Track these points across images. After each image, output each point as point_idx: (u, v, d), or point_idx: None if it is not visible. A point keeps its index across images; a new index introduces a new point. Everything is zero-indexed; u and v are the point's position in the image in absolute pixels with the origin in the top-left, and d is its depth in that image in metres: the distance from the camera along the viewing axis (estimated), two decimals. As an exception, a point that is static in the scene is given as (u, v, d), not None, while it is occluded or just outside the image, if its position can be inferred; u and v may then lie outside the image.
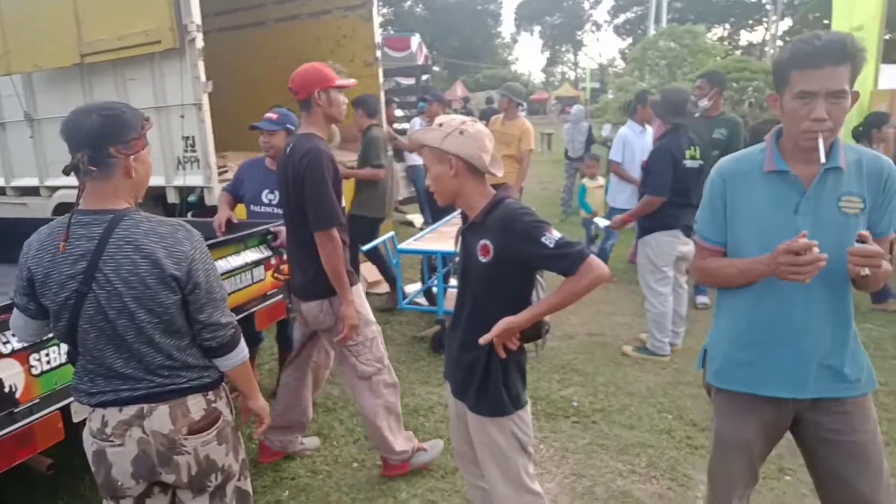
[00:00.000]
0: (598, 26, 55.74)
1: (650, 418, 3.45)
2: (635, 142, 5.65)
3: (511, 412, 1.94)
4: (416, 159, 8.34)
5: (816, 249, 1.47)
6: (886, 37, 10.41)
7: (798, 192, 1.62)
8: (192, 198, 4.80)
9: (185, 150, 4.62)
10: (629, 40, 48.21)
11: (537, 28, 60.74)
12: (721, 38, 42.26)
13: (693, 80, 6.33)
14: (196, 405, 1.72)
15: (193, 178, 4.71)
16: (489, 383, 1.92)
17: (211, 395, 1.76)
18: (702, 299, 5.33)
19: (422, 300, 5.15)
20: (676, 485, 2.85)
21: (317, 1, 6.86)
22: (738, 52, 33.71)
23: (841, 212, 1.61)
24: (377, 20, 6.73)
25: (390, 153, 5.52)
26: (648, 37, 12.09)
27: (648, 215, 4.15)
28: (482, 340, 1.86)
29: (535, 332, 1.94)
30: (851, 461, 1.72)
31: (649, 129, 5.78)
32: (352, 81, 2.75)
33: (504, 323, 1.84)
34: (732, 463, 1.85)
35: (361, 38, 6.67)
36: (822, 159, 1.52)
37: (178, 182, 4.82)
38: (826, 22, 7.12)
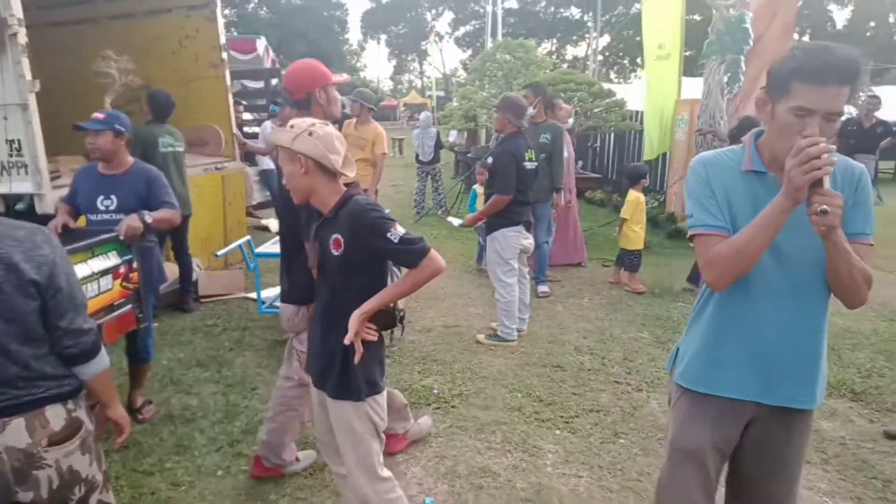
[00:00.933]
0: (441, 37, 57.55)
1: (503, 398, 3.75)
2: None
3: (368, 396, 2.07)
4: (268, 163, 8.19)
5: (822, 142, 1.39)
6: (687, 53, 11.96)
7: (775, 193, 1.51)
8: (20, 206, 4.37)
9: (10, 155, 4.21)
10: (469, 51, 50.34)
11: (384, 37, 61.31)
12: (550, 52, 45.56)
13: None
14: (56, 415, 1.65)
15: (21, 185, 4.29)
16: (348, 369, 2.02)
17: (71, 405, 1.71)
18: (542, 288, 5.82)
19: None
20: (528, 455, 3.14)
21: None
22: (565, 66, 36.58)
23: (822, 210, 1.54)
24: (222, 21, 6.54)
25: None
26: (487, 49, 12.81)
27: (495, 214, 4.49)
28: (346, 341, 1.96)
29: (389, 320, 2.09)
30: (775, 471, 1.73)
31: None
32: (345, 77, 2.72)
33: (356, 315, 1.95)
34: (686, 476, 1.77)
35: (206, 39, 6.45)
36: (827, 184, 1.40)
37: (3, 189, 4.37)
38: (638, 39, 8.06)
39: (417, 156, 10.35)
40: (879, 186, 10.07)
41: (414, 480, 2.94)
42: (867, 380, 3.95)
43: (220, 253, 4.33)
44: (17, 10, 4.04)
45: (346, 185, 2.12)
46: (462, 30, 56.23)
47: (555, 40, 52.89)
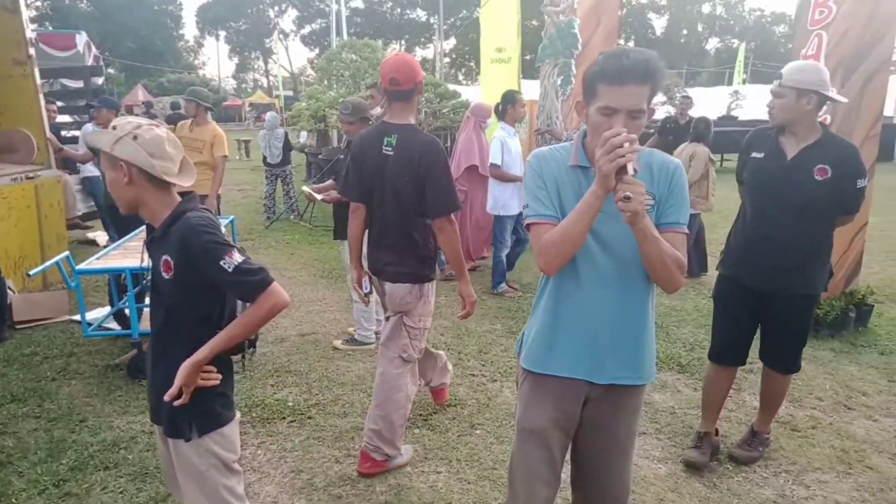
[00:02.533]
0: (286, 35, 55.91)
1: (361, 403, 3.69)
2: (510, 142, 5.72)
3: (208, 432, 1.86)
4: (92, 170, 7.43)
5: (624, 132, 1.49)
6: (527, 57, 12.57)
7: None
8: None
9: None
10: (317, 50, 49.38)
11: (223, 33, 58.29)
12: (398, 53, 46.02)
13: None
14: None
15: None
16: (182, 407, 1.79)
17: None
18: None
19: (112, 324, 4.66)
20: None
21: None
22: (415, 66, 37.07)
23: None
24: (26, 13, 5.81)
25: None
26: (332, 49, 12.61)
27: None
28: (167, 397, 1.75)
29: (234, 349, 1.89)
30: (609, 447, 1.85)
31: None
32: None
33: (184, 369, 1.75)
34: (531, 454, 1.86)
35: (6, 33, 5.70)
36: (630, 171, 1.49)
37: None
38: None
39: (265, 158, 9.92)
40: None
41: (269, 500, 2.80)
42: (691, 353, 4.40)
43: (32, 272, 3.82)
44: None
45: (181, 194, 1.88)
46: (308, 28, 55.14)
47: (403, 41, 53.52)
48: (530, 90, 9.06)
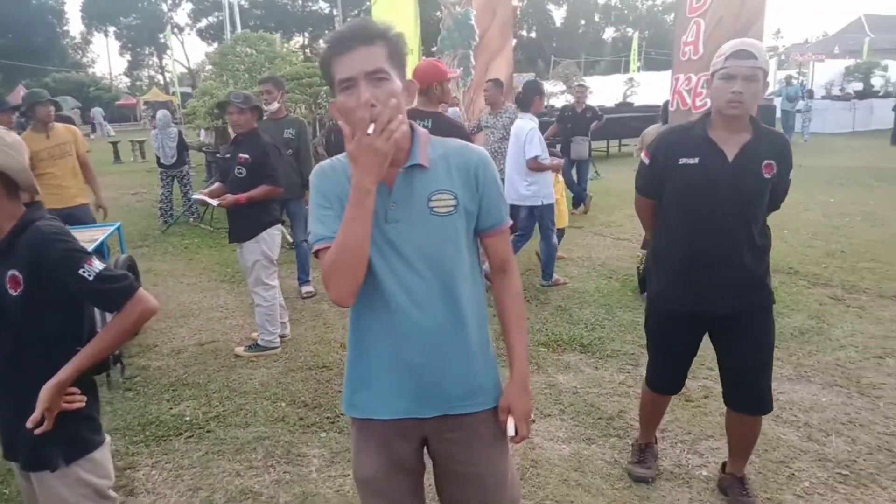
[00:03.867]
0: (181, 29, 53.32)
1: (265, 411, 3.56)
2: (537, 133, 5.41)
3: (75, 459, 1.73)
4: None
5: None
6: (434, 49, 12.57)
7: (385, 197, 1.40)
8: None
9: None
10: (215, 45, 47.34)
11: (112, 28, 54.78)
12: (303, 46, 44.95)
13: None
14: None
15: None
16: (44, 435, 1.64)
17: None
18: (307, 288, 5.69)
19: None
20: (292, 466, 3.01)
21: None
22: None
23: (434, 213, 1.42)
24: None
25: None
26: (226, 42, 12.10)
27: (262, 211, 4.23)
28: (29, 423, 1.60)
29: (98, 366, 1.76)
30: (473, 487, 1.57)
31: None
32: (457, 72, 2.67)
33: (46, 392, 1.60)
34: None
35: None
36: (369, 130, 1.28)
37: None
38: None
39: (158, 159, 9.38)
40: (596, 163, 11.67)
41: (165, 522, 2.64)
42: (592, 332, 4.53)
43: None
44: None
45: (25, 204, 1.71)
46: (204, 21, 52.72)
47: (306, 34, 52.30)
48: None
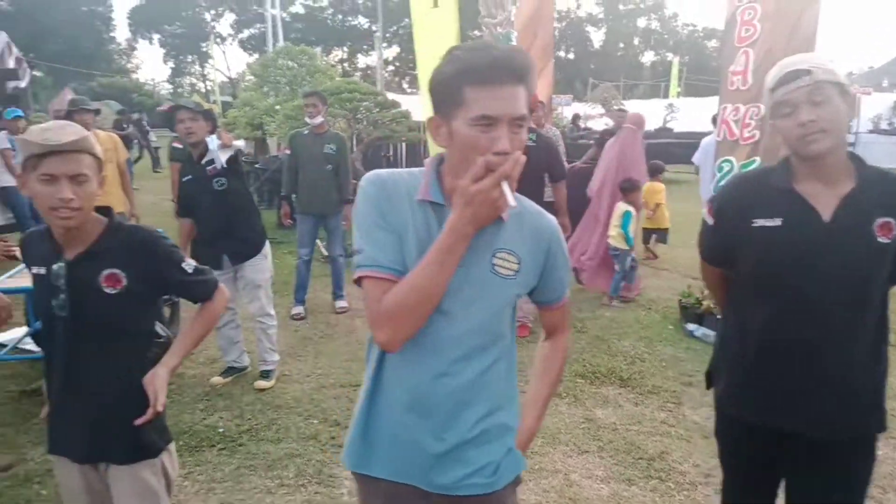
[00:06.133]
0: (223, 39, 54.59)
1: (297, 427, 3.53)
2: None
3: (163, 448, 1.83)
4: (9, 179, 6.97)
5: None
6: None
7: None
8: None
9: None
10: (256, 55, 48.39)
11: (157, 36, 56.36)
12: (341, 60, 45.68)
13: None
14: None
15: None
16: (144, 424, 1.71)
17: None
18: (341, 304, 5.68)
19: (31, 346, 4.32)
20: (323, 487, 2.97)
21: None
22: (357, 75, 36.91)
23: (494, 271, 1.30)
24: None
25: None
26: (268, 55, 12.32)
27: (260, 221, 4.15)
28: (160, 407, 1.66)
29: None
30: None
31: None
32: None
33: (160, 379, 1.69)
34: None
35: None
36: (512, 202, 1.15)
37: None
38: (420, 51, 8.28)
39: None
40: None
41: (195, 538, 2.62)
42: (632, 366, 4.42)
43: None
44: None
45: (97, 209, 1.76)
46: (246, 32, 53.92)
47: (345, 48, 53.11)
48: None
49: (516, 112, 1.18)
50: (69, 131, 1.59)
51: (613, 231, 5.84)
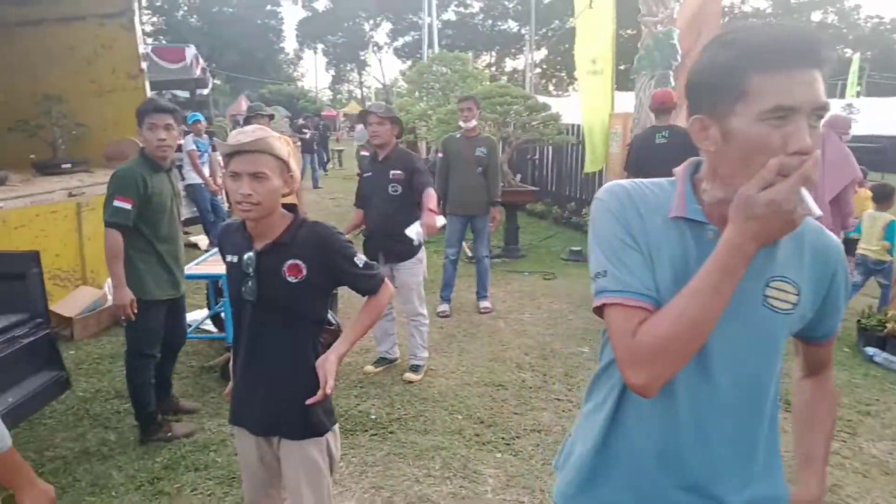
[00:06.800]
0: (380, 48, 57.55)
1: (443, 421, 3.64)
2: None
3: (330, 427, 1.97)
4: (195, 177, 7.87)
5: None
6: (622, 67, 12.25)
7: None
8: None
9: None
10: (409, 62, 50.45)
11: (320, 46, 60.75)
12: (489, 65, 46.27)
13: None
14: None
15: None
16: (314, 405, 1.86)
17: None
18: (484, 304, 5.76)
19: (210, 327, 4.86)
20: (468, 482, 3.04)
21: (65, 5, 6.15)
22: (504, 78, 37.17)
23: (766, 304, 1.07)
24: (140, 29, 6.24)
25: None
26: (423, 61, 12.79)
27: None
28: (329, 390, 1.79)
29: (335, 340, 1.98)
30: None
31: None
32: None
33: (331, 364, 1.83)
34: None
35: (123, 49, 6.14)
36: (816, 211, 0.93)
37: None
38: (573, 53, 8.19)
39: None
40: None
41: (349, 514, 2.80)
42: (797, 388, 4.04)
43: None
44: None
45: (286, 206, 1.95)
46: (401, 40, 56.42)
47: (493, 53, 53.77)
48: (624, 103, 8.81)
49: (819, 100, 0.96)
50: (253, 134, 1.78)
51: (875, 244, 5.39)
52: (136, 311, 3.18)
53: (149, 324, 3.30)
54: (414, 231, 3.95)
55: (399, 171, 4.07)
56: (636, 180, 1.16)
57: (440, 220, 3.90)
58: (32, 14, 6.24)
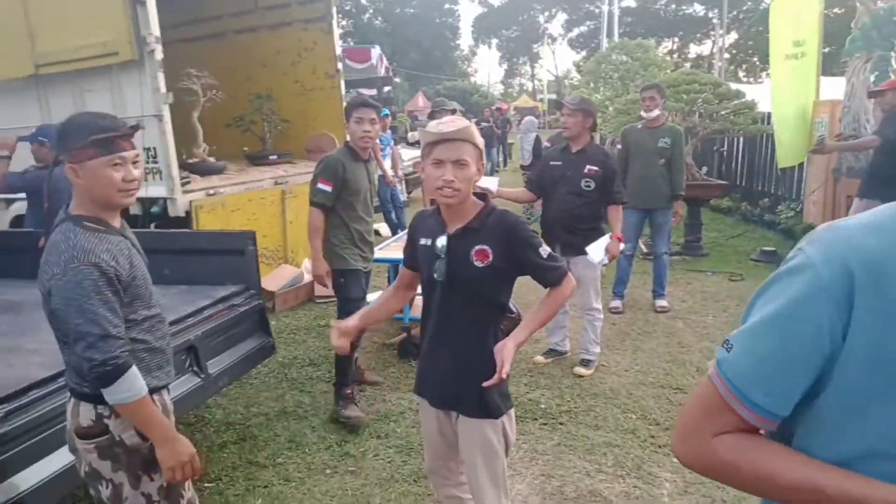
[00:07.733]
0: (553, 39, 56.96)
1: (615, 418, 3.55)
2: None
3: (506, 411, 2.01)
4: (377, 170, 8.42)
5: None
6: (825, 50, 10.91)
7: None
8: (154, 209, 4.75)
9: (147, 162, 4.57)
10: (583, 53, 49.29)
11: (495, 41, 61.60)
12: (671, 52, 43.68)
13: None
14: (85, 412, 1.72)
15: (156, 190, 4.67)
16: (491, 387, 1.89)
17: (102, 409, 1.70)
18: (661, 303, 5.49)
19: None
20: (642, 483, 2.94)
21: (276, 13, 6.89)
22: (687, 65, 34.85)
23: None
24: (337, 32, 6.78)
25: None
26: (602, 51, 12.42)
27: (600, 222, 4.24)
28: (504, 374, 1.80)
29: (515, 327, 2.01)
30: None
31: None
32: None
33: (509, 351, 1.85)
34: None
35: (322, 50, 6.71)
36: None
37: (141, 193, 4.77)
38: (768, 35, 7.44)
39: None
40: None
41: (519, 498, 2.84)
42: None
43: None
44: (155, 29, 4.41)
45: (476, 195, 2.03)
46: (576, 31, 55.43)
47: (676, 39, 50.70)
48: (831, 89, 7.87)
49: None
50: (455, 124, 1.86)
51: None
52: (330, 281, 3.55)
53: (351, 293, 3.61)
54: (598, 252, 3.91)
55: (596, 168, 4.01)
56: (880, 219, 0.77)
57: (622, 247, 3.96)
58: (249, 23, 7.08)
